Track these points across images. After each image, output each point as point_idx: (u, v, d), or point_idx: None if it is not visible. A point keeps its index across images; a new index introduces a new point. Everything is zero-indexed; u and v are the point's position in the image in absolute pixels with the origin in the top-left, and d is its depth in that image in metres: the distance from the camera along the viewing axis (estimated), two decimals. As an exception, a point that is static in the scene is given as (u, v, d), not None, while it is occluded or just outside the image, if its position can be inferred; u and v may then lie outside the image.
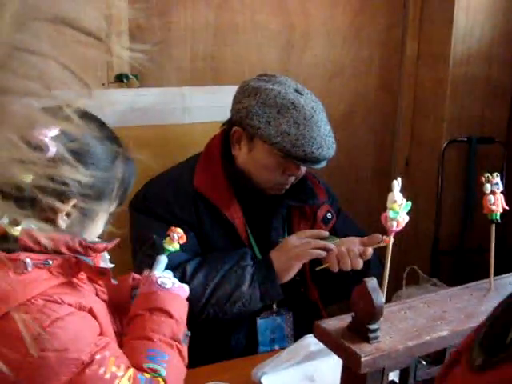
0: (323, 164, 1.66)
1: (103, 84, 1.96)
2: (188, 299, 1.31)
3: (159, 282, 1.27)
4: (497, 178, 1.14)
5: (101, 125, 1.18)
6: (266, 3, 2.41)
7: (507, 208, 1.18)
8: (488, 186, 1.14)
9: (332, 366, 1.34)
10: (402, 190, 1.03)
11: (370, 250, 1.59)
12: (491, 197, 1.14)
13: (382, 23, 2.71)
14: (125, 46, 0.39)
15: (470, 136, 2.74)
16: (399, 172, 2.88)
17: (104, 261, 1.28)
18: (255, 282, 1.61)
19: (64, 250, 1.10)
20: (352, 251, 1.59)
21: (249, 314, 1.68)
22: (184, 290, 1.31)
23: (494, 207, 1.14)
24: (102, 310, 1.17)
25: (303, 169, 1.71)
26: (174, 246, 1.32)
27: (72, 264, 1.11)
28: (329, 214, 1.82)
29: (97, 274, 1.17)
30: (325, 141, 1.62)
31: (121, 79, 2.13)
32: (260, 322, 1.73)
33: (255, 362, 1.51)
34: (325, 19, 2.56)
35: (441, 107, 2.70)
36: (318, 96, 1.73)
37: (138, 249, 1.66)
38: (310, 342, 1.48)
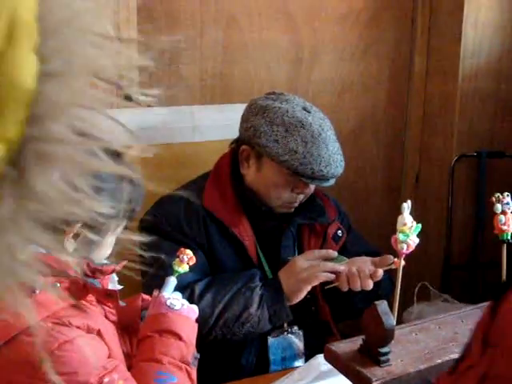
0: (332, 182, 1.66)
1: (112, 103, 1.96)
2: (196, 320, 1.31)
3: (168, 304, 1.26)
4: (507, 198, 1.13)
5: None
6: (274, 20, 2.41)
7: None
8: (498, 206, 1.13)
9: (343, 386, 1.33)
10: (412, 206, 1.02)
11: (380, 272, 1.57)
12: (502, 217, 1.13)
13: (391, 39, 2.70)
14: (135, 93, 0.40)
15: (479, 151, 2.72)
16: (409, 188, 2.86)
17: (112, 282, 1.27)
18: (264, 303, 1.60)
19: (71, 272, 1.10)
20: (363, 271, 1.57)
21: (258, 335, 1.67)
22: (193, 311, 1.30)
23: (504, 227, 1.13)
24: (110, 331, 1.17)
25: (312, 187, 1.70)
26: (183, 268, 1.32)
27: (79, 287, 1.11)
28: (339, 231, 1.81)
29: (104, 296, 1.16)
30: (333, 159, 1.61)
31: (130, 98, 2.13)
32: (271, 340, 1.71)
33: (266, 381, 1.49)
34: (333, 35, 2.56)
35: (450, 122, 2.68)
36: (327, 112, 1.73)
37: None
38: (321, 361, 1.46)
